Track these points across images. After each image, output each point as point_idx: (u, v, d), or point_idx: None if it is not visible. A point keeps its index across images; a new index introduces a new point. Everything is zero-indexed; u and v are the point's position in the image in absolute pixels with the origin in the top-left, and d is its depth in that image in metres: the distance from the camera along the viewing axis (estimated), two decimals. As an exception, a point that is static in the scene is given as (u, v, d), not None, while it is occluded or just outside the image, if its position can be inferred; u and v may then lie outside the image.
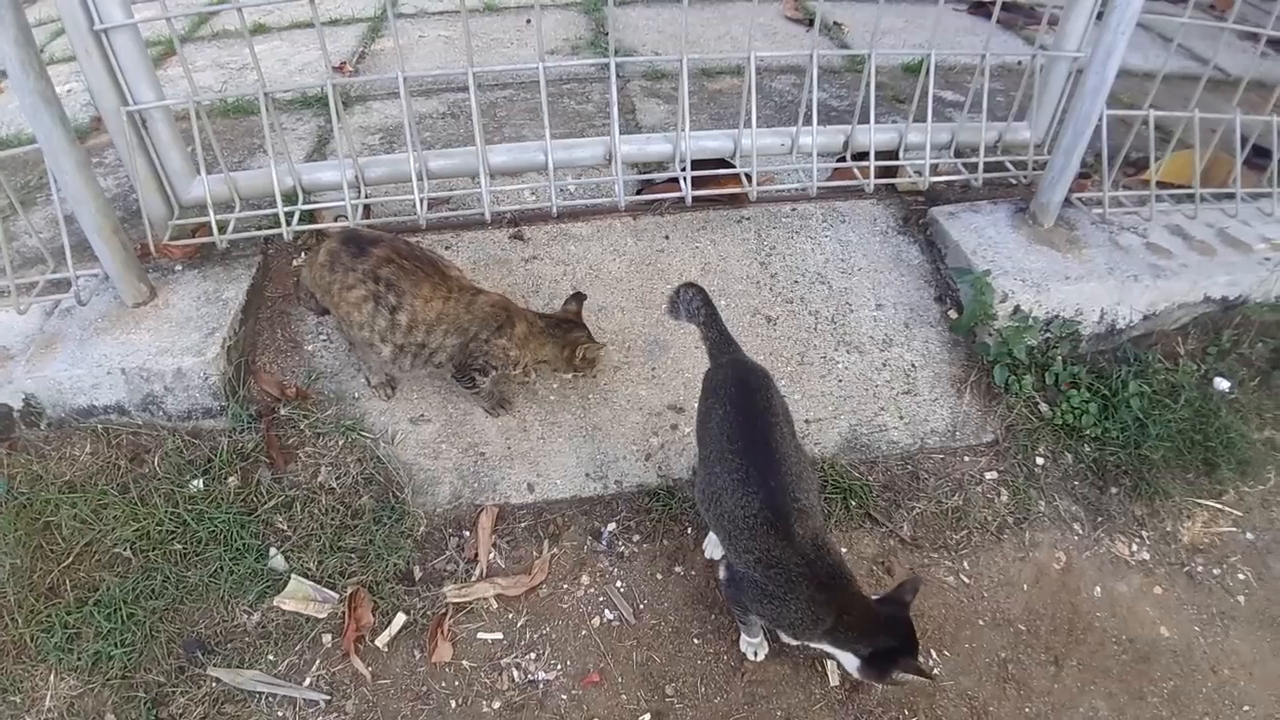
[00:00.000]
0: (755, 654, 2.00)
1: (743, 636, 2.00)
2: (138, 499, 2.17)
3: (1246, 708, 2.03)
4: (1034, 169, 2.86)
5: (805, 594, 1.69)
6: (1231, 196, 2.83)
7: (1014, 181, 2.96)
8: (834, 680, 1.98)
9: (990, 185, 2.90)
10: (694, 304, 2.07)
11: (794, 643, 1.90)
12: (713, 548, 2.15)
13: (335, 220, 2.57)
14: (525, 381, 2.34)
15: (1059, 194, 2.64)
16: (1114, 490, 2.36)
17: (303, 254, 2.64)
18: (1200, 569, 2.26)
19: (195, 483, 2.20)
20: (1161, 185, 2.79)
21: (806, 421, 2.39)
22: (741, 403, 1.85)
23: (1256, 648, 2.13)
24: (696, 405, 1.99)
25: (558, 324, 2.27)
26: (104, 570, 2.08)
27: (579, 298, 2.34)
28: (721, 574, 1.89)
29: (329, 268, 2.14)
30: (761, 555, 1.71)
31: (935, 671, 1.78)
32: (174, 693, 1.94)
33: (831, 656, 1.86)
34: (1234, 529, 2.35)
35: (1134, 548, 2.27)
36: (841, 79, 3.72)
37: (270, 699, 1.94)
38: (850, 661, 1.73)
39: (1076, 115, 2.47)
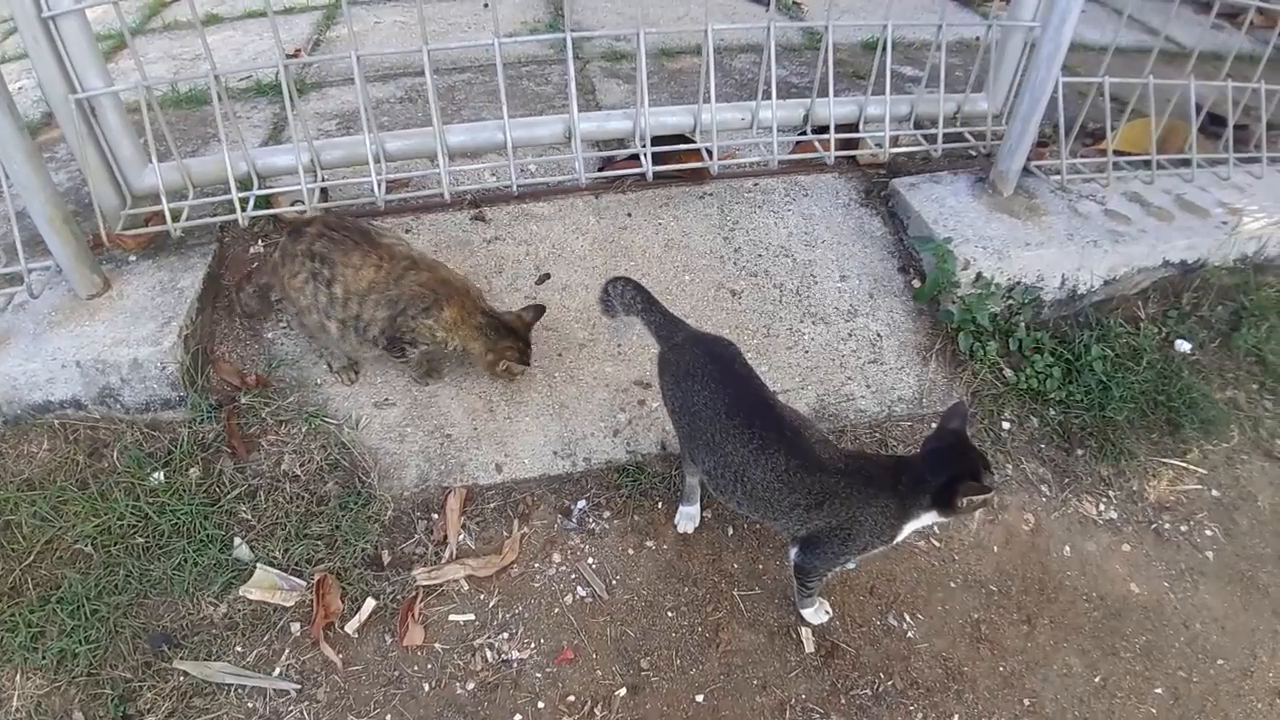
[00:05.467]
0: (827, 614, 2.02)
1: (808, 611, 2.00)
2: (98, 494, 2.12)
3: (1220, 661, 2.05)
4: (992, 139, 2.88)
5: (867, 503, 1.71)
6: (1188, 163, 2.87)
7: (973, 153, 2.99)
8: (809, 648, 1.98)
9: (950, 156, 2.92)
10: (627, 296, 2.02)
11: (882, 550, 1.85)
12: (685, 522, 2.15)
13: (292, 205, 2.53)
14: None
15: (1017, 162, 2.66)
16: (1080, 452, 2.38)
17: (259, 240, 2.60)
18: (1168, 526, 2.29)
19: (156, 475, 2.16)
20: (1118, 153, 2.82)
21: (774, 393, 2.38)
22: (724, 377, 1.83)
23: (1227, 602, 2.16)
24: (663, 393, 1.96)
25: (498, 326, 2.20)
26: (66, 567, 2.04)
27: (538, 310, 2.28)
28: (793, 557, 1.86)
29: (281, 263, 2.16)
30: (811, 501, 1.72)
31: (992, 484, 1.73)
32: (141, 688, 1.90)
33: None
34: (1199, 486, 2.38)
35: (1101, 507, 2.30)
36: (801, 56, 3.72)
37: (240, 690, 1.91)
38: (930, 517, 1.73)
39: (1033, 83, 2.48)
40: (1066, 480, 2.33)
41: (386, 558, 2.11)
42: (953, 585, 2.12)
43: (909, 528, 1.75)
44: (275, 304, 2.40)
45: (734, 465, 1.78)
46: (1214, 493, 2.38)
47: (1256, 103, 2.83)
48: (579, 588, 2.08)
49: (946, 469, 1.67)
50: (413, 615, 2.01)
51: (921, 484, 1.69)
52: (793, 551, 1.86)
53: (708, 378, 1.83)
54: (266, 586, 2.04)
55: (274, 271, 2.21)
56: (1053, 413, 2.43)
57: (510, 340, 2.21)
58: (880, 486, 1.71)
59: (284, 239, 2.18)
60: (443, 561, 2.10)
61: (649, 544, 2.15)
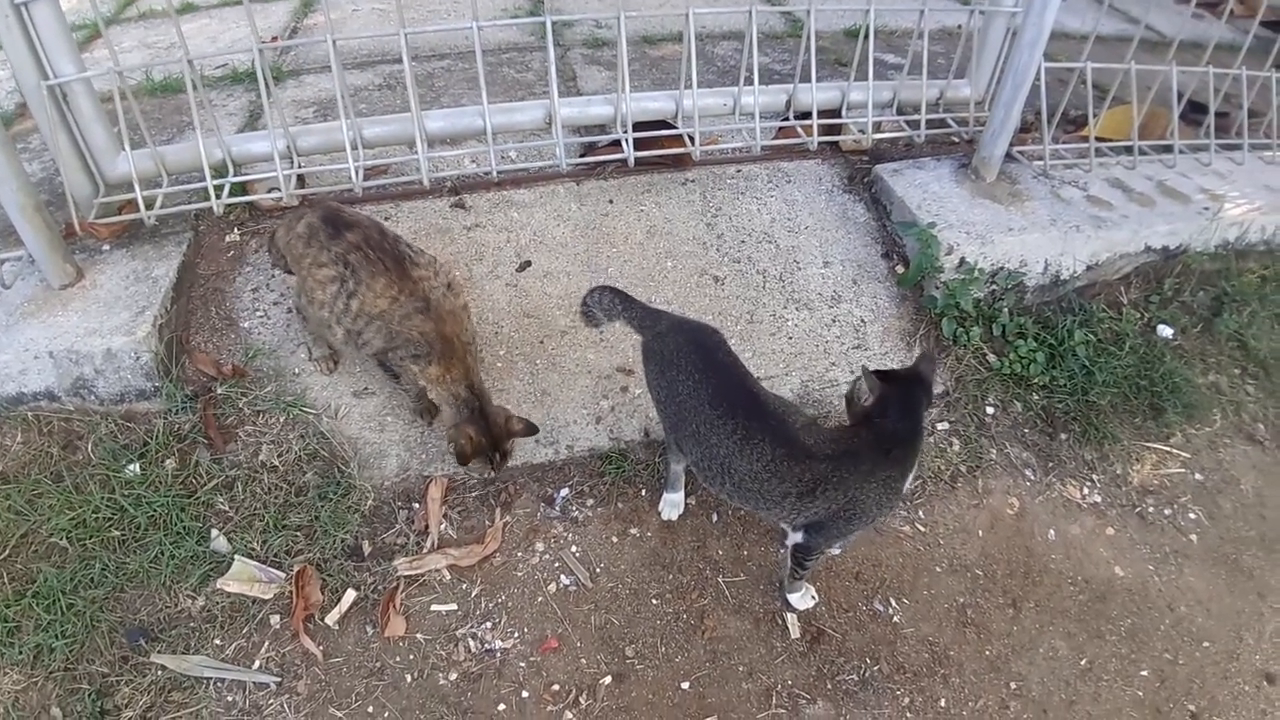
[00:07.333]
0: (813, 600, 2.02)
1: (795, 596, 2.00)
2: (72, 487, 2.08)
3: (1206, 643, 2.06)
4: (975, 125, 2.88)
5: (867, 479, 1.69)
6: (1169, 149, 2.87)
7: (956, 139, 2.98)
8: (795, 633, 1.97)
9: (933, 142, 2.91)
10: (605, 301, 1.99)
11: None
12: (669, 509, 2.13)
13: (269, 192, 2.50)
14: None
15: (1000, 148, 2.66)
16: (1063, 436, 2.38)
17: (235, 229, 2.56)
18: (1151, 510, 2.29)
19: (131, 467, 2.12)
20: (1100, 140, 2.82)
21: (758, 379, 2.37)
22: (707, 366, 1.80)
23: (1212, 584, 2.17)
24: (648, 382, 1.94)
25: (476, 410, 2.05)
26: (41, 561, 2.00)
27: (530, 429, 2.09)
28: (796, 540, 1.84)
29: (305, 241, 2.09)
30: (802, 489, 1.70)
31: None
32: (119, 682, 1.87)
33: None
34: (1183, 470, 2.39)
35: (1085, 491, 2.30)
36: (783, 44, 3.71)
37: (219, 684, 1.88)
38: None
39: (1015, 68, 2.48)
40: (1050, 464, 2.33)
41: (367, 548, 2.08)
42: (938, 570, 2.11)
43: (911, 477, 1.76)
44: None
45: (720, 456, 1.75)
46: (1197, 476, 2.38)
47: (1237, 90, 2.84)
48: (562, 576, 2.06)
49: (917, 399, 1.73)
50: (394, 606, 1.98)
51: (912, 434, 1.71)
52: (795, 535, 1.83)
53: (691, 367, 1.80)
54: (245, 579, 2.01)
55: (289, 243, 2.13)
56: (1036, 397, 2.43)
57: (478, 431, 2.04)
58: (873, 462, 1.69)
59: (317, 220, 2.08)
60: (424, 551, 2.08)
61: (633, 531, 2.14)
